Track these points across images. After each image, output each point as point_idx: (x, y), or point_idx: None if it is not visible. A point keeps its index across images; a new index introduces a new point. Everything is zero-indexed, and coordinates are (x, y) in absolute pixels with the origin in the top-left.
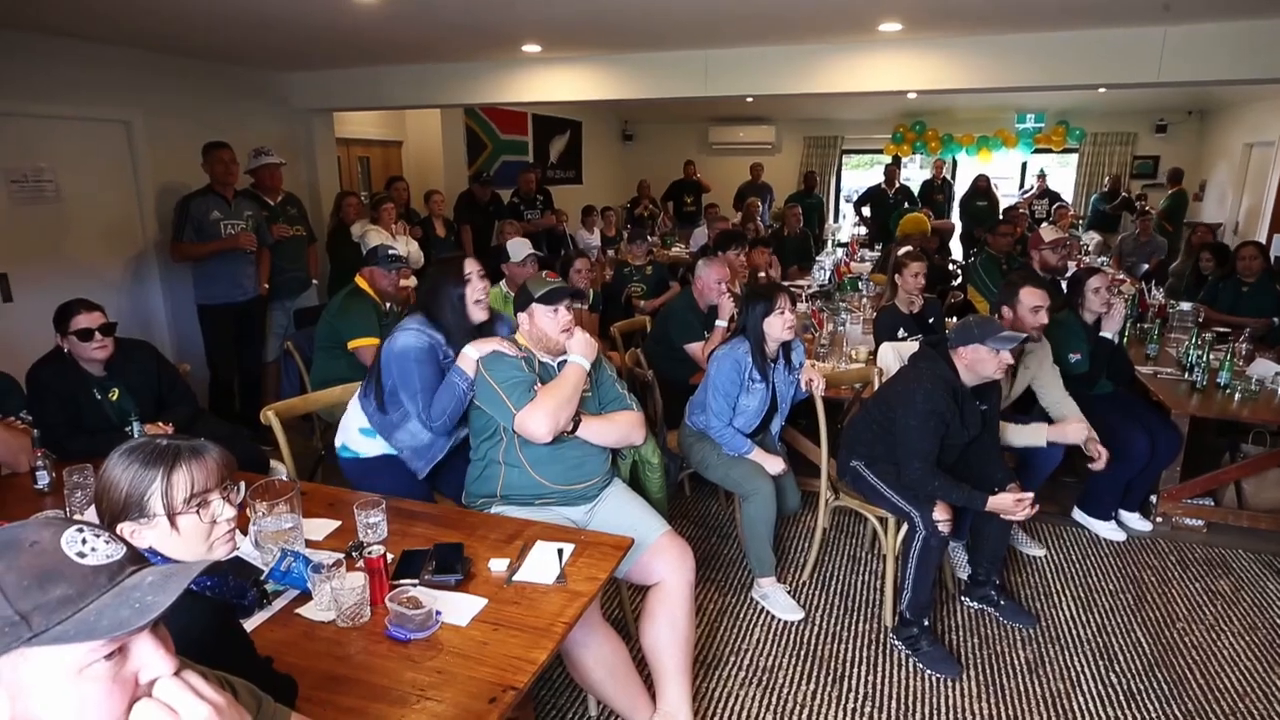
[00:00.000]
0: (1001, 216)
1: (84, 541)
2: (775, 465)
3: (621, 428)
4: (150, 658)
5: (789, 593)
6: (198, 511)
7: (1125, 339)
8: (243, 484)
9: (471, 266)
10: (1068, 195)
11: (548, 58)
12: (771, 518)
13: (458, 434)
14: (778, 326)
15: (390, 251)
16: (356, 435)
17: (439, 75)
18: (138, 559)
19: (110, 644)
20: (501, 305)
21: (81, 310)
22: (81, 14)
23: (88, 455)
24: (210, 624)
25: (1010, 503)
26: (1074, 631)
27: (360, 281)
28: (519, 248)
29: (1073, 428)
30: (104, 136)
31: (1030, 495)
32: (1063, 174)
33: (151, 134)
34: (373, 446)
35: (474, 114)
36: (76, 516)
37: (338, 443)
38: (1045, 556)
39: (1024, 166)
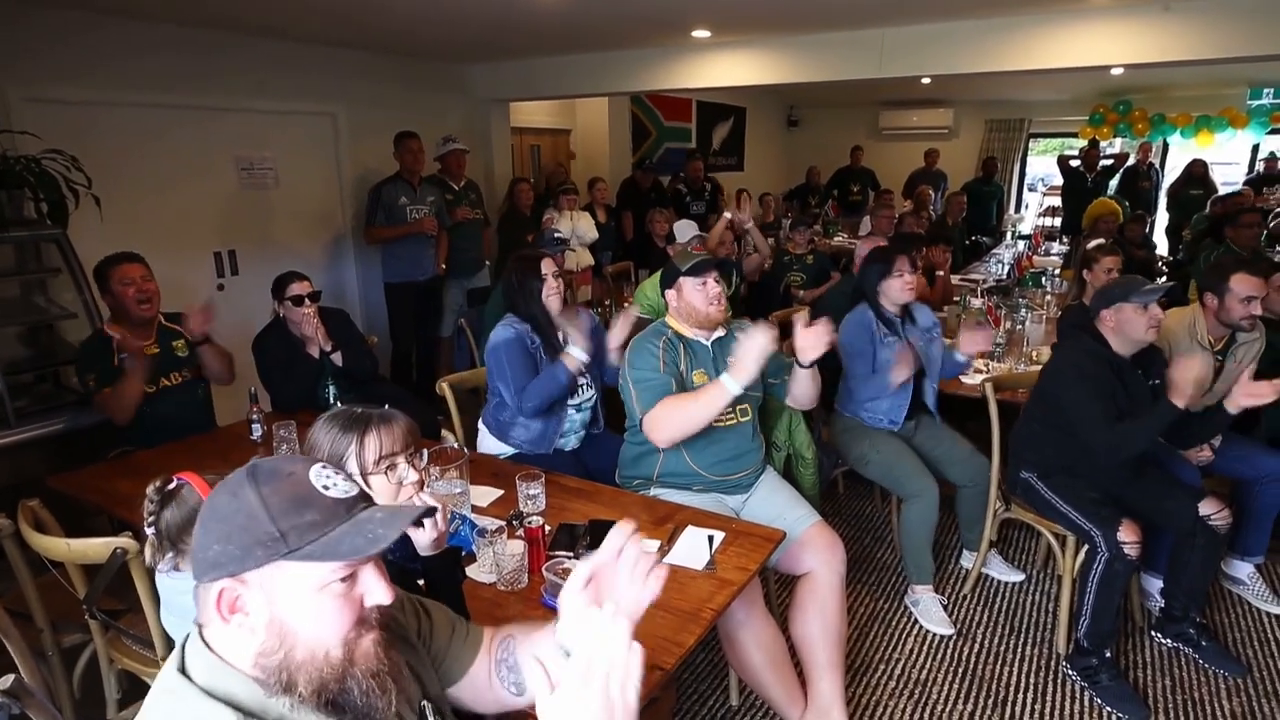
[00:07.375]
0: (1210, 205)
1: (328, 477)
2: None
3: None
4: (374, 585)
5: (944, 605)
6: (386, 473)
7: None
8: (425, 451)
9: (548, 267)
10: None
11: (717, 42)
12: (933, 522)
13: (573, 417)
14: (896, 288)
15: (555, 234)
16: (490, 443)
17: (610, 63)
18: (366, 498)
19: (347, 568)
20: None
21: (294, 280)
22: (299, 17)
23: (294, 405)
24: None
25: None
26: None
27: None
28: (685, 230)
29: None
30: (314, 128)
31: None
32: None
33: (352, 125)
34: (505, 449)
35: (639, 101)
36: None
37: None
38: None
39: (1255, 150)
